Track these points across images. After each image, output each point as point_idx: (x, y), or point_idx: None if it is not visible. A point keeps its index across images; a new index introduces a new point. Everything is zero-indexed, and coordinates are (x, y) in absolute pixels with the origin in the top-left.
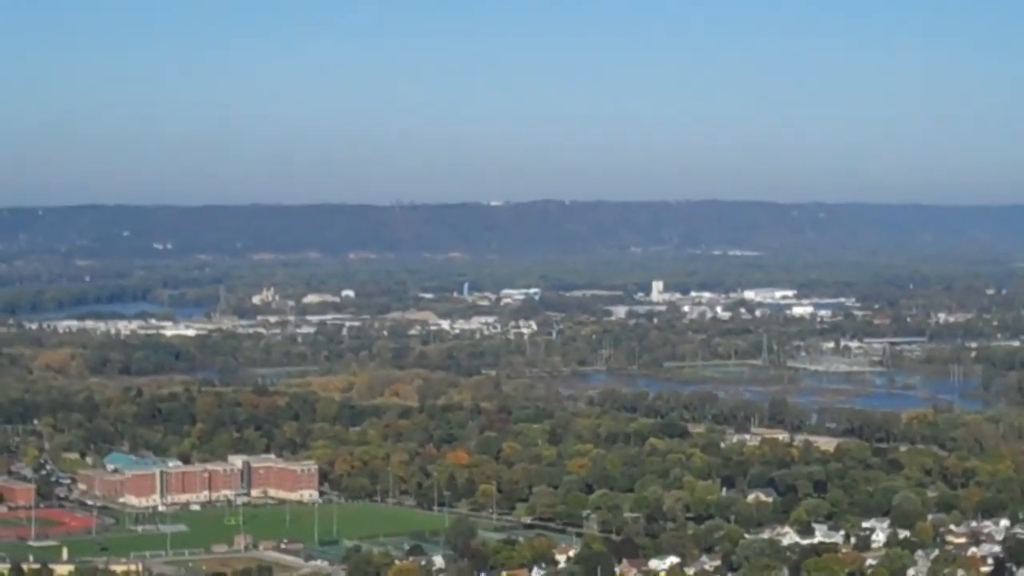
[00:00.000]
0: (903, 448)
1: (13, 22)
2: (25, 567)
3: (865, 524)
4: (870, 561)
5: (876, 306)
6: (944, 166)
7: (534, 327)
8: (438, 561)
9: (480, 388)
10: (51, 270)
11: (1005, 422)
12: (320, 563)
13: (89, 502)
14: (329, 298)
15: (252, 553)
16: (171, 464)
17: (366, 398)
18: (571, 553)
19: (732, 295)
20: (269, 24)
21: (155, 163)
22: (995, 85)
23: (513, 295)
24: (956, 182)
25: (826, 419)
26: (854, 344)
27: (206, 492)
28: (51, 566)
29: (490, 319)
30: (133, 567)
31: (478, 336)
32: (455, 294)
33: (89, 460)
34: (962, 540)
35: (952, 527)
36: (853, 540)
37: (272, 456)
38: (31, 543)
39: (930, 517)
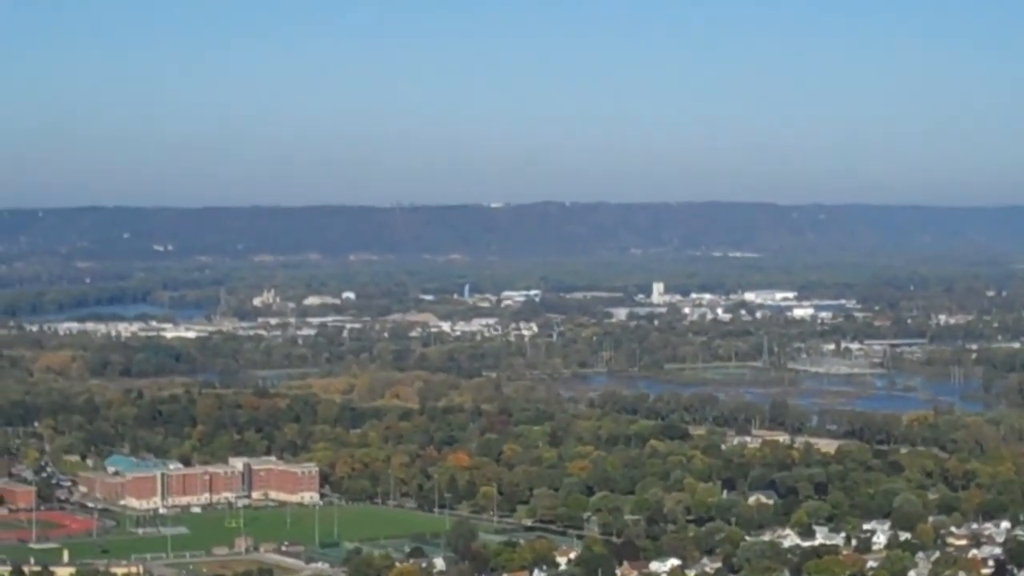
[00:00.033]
0: (904, 450)
1: (13, 22)
2: (26, 569)
3: (866, 526)
4: (871, 563)
5: (876, 308)
6: (944, 167)
7: (535, 329)
8: (439, 563)
9: (481, 390)
10: (51, 272)
11: (1006, 424)
12: (321, 565)
13: (90, 504)
14: (330, 300)
15: (253, 555)
16: (172, 466)
17: (367, 400)
18: (572, 555)
19: (732, 297)
20: (269, 24)
21: (155, 164)
22: (995, 85)
23: (514, 297)
24: (956, 183)
25: (827, 421)
26: (854, 346)
27: (207, 494)
28: (52, 568)
29: (491, 321)
30: (134, 569)
31: (479, 338)
32: (455, 296)
33: (90, 462)
34: (963, 542)
35: (953, 529)
36: (854, 542)
37: (273, 458)
38: (32, 545)
39: (931, 519)
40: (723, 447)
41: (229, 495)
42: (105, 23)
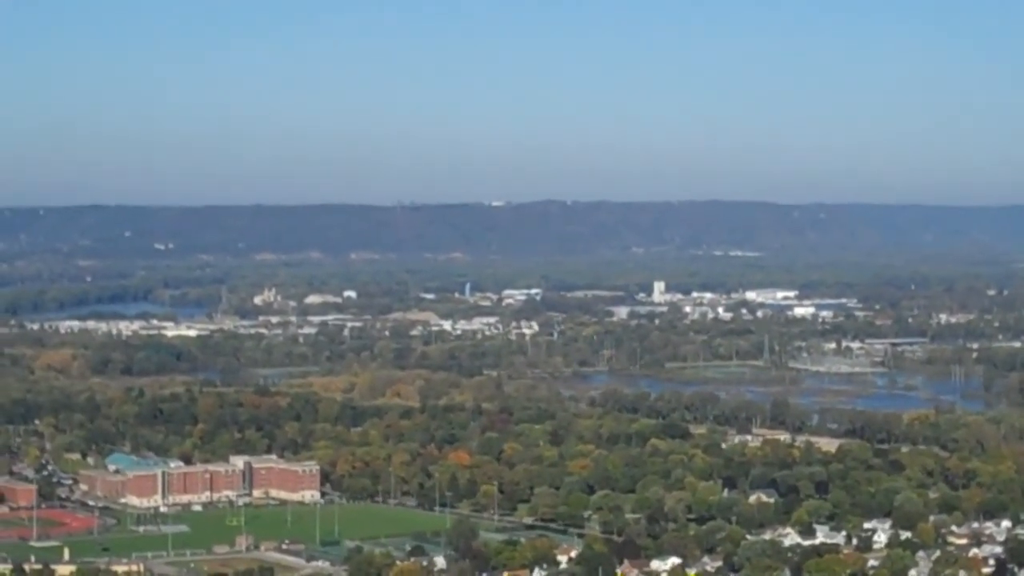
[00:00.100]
0: (905, 449)
1: (14, 22)
2: (27, 567)
3: (867, 525)
4: (872, 562)
5: (877, 307)
6: (945, 166)
7: (535, 328)
8: (439, 562)
9: (481, 389)
10: (52, 270)
11: (1006, 423)
12: (322, 564)
13: (91, 503)
14: (331, 298)
15: (253, 554)
16: (173, 465)
17: (368, 399)
18: (573, 554)
19: (733, 296)
20: (271, 24)
21: (157, 163)
22: (995, 85)
23: (515, 296)
24: (957, 182)
25: (828, 420)
26: (855, 345)
27: (208, 493)
28: (53, 566)
29: (492, 320)
30: (135, 568)
31: (479, 337)
32: (456, 295)
33: (91, 460)
34: (963, 541)
35: (954, 528)
36: (855, 541)
37: (274, 457)
38: (33, 543)
39: (932, 518)
40: (724, 446)
41: (230, 493)
42: (106, 23)
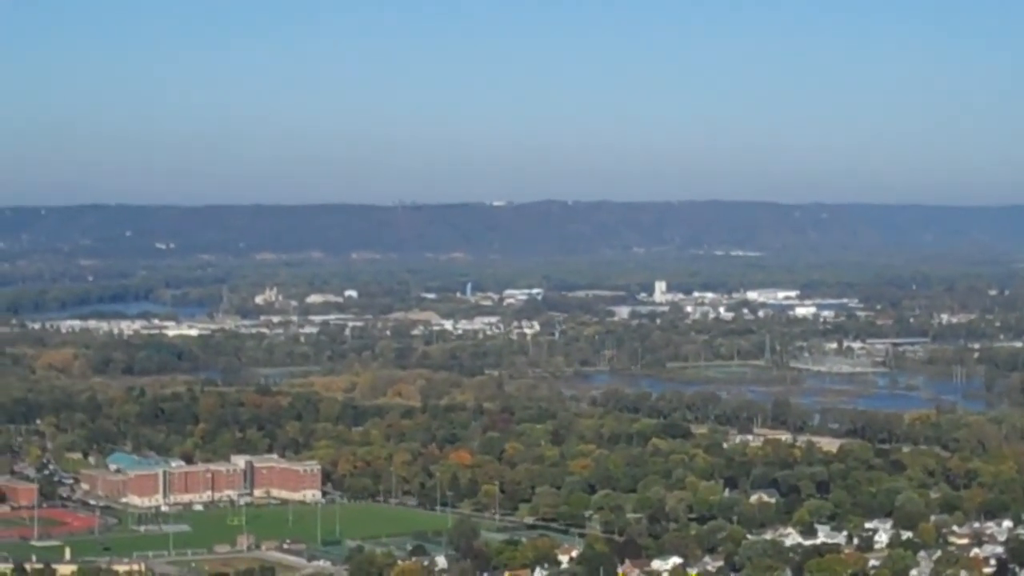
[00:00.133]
0: (906, 449)
1: (14, 22)
2: (28, 567)
3: (868, 525)
4: (873, 562)
5: (878, 307)
6: (945, 166)
7: (537, 327)
8: (440, 561)
9: (483, 388)
10: (54, 270)
11: (1008, 423)
12: (323, 563)
13: (92, 502)
14: (332, 298)
15: (255, 553)
16: (174, 464)
17: (369, 398)
18: (574, 554)
19: (735, 295)
20: (272, 24)
21: (158, 163)
22: (997, 85)
23: (516, 295)
24: (957, 182)
25: (829, 420)
26: (857, 345)
27: (209, 492)
28: (54, 566)
29: (493, 319)
30: (136, 567)
31: (481, 336)
32: (458, 294)
33: (92, 460)
34: (965, 541)
35: (955, 528)
36: (856, 541)
37: (275, 456)
38: (34, 543)
39: (933, 518)
40: (725, 446)
41: (231, 493)
42: (107, 23)
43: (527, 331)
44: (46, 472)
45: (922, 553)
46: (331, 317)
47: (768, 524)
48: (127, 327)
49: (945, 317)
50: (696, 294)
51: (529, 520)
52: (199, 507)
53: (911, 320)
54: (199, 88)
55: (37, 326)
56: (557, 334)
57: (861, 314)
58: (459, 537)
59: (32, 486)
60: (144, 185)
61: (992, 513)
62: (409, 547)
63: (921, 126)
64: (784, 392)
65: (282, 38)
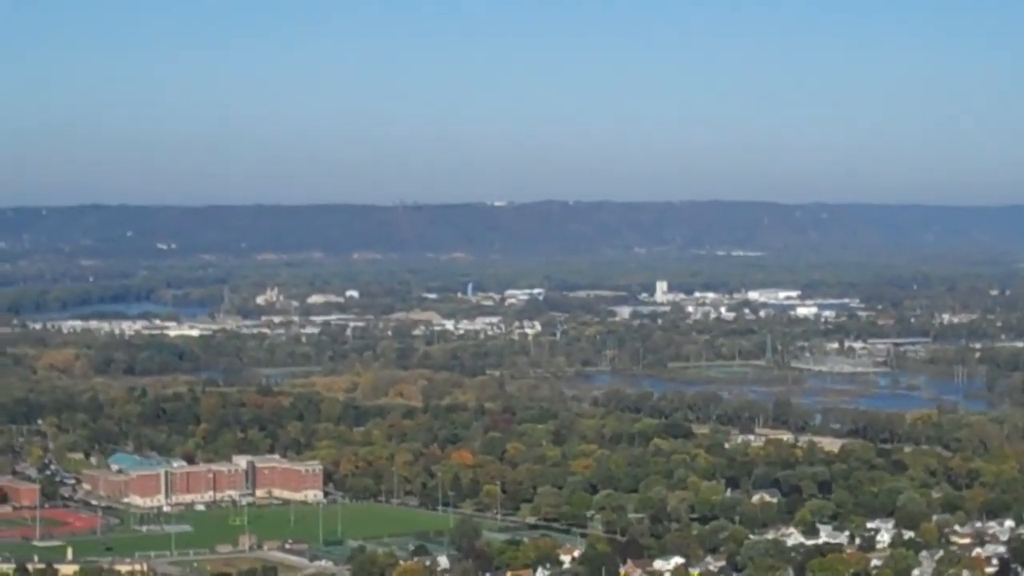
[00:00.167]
0: (907, 449)
1: (16, 22)
2: (30, 567)
3: (870, 525)
4: (875, 562)
5: (880, 307)
6: (947, 166)
7: (538, 327)
8: (442, 561)
9: (484, 388)
10: (55, 270)
11: (1009, 423)
12: (324, 563)
13: (94, 502)
14: (333, 298)
15: (256, 553)
16: (175, 464)
17: (370, 398)
18: (575, 554)
19: (736, 296)
20: (273, 23)
21: (159, 163)
22: (996, 85)
23: (517, 295)
24: (958, 182)
25: (830, 420)
26: (858, 345)
27: (210, 492)
28: (56, 566)
29: (494, 319)
30: (138, 567)
31: (482, 336)
32: (459, 294)
33: (93, 460)
34: (967, 541)
35: (957, 528)
36: (858, 541)
37: (276, 456)
38: (36, 543)
39: (935, 518)
40: (727, 446)
41: (233, 493)
42: (108, 23)
43: (528, 331)
44: (48, 472)
45: (924, 553)
46: (332, 317)
47: (770, 524)
48: (128, 327)
49: (946, 317)
50: (697, 294)
51: (531, 520)
52: (201, 507)
53: (912, 320)
54: (200, 88)
55: (38, 326)
56: (558, 334)
57: (862, 314)
58: (461, 537)
59: (34, 486)
60: (145, 185)
61: (994, 513)
62: (411, 547)
63: (922, 126)
64: (786, 392)
65: (284, 38)
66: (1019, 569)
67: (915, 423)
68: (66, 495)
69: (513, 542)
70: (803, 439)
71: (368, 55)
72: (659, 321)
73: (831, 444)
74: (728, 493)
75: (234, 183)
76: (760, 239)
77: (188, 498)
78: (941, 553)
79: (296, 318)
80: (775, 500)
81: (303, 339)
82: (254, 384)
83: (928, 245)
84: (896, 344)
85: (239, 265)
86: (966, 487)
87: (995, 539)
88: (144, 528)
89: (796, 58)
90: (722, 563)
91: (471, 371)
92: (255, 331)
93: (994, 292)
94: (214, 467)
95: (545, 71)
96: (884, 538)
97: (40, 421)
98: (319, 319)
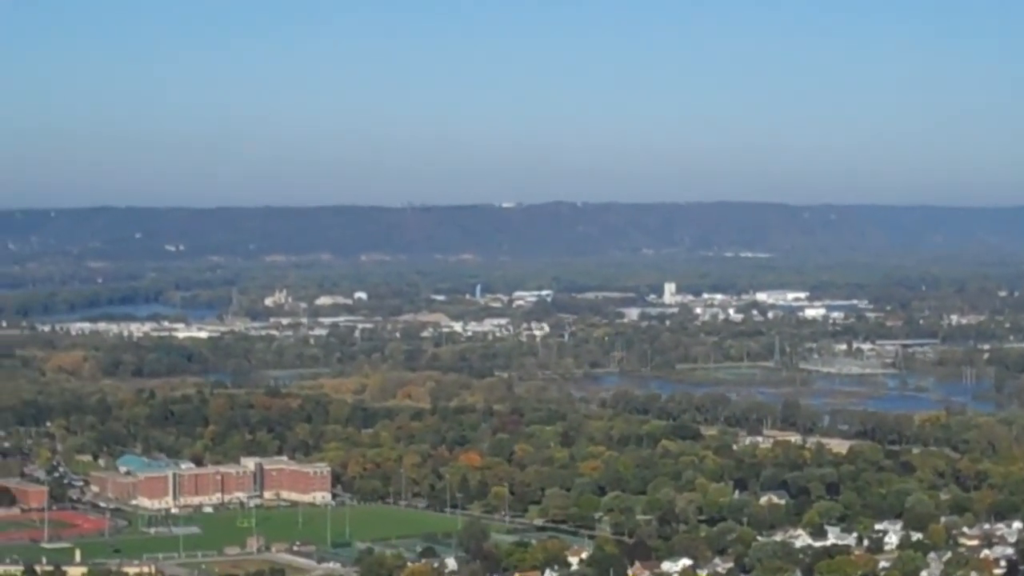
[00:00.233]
0: (916, 450)
1: (20, 23)
2: (38, 569)
3: (878, 526)
4: (883, 563)
5: (888, 308)
6: (954, 168)
7: (546, 329)
8: (450, 563)
9: (492, 390)
10: (63, 272)
11: (1018, 424)
12: (333, 565)
13: (102, 504)
14: (341, 300)
15: (265, 555)
16: (184, 466)
17: (378, 400)
18: (584, 555)
19: (744, 297)
20: (281, 24)
21: (167, 165)
22: (1005, 86)
23: (525, 297)
24: (966, 184)
25: (838, 421)
26: (866, 346)
27: (219, 494)
28: (64, 568)
29: (502, 321)
30: (146, 569)
31: (490, 338)
32: (467, 296)
33: (102, 462)
34: (975, 542)
35: (965, 529)
36: (866, 542)
37: (285, 458)
38: (44, 545)
39: (943, 519)
40: (735, 447)
41: (241, 495)
42: (116, 24)
43: (536, 333)
44: (56, 474)
45: (932, 554)
46: (340, 319)
47: (778, 525)
48: (137, 329)
49: (955, 318)
50: (705, 295)
51: (539, 522)
52: (209, 509)
53: (921, 321)
54: (208, 89)
55: (47, 328)
56: (566, 336)
57: (871, 315)
58: (469, 539)
59: (42, 488)
60: (153, 187)
61: (1002, 514)
62: (419, 549)
63: (931, 127)
64: (794, 393)
65: (291, 39)
66: None
67: (923, 425)
68: (74, 497)
69: (521, 544)
70: (811, 441)
71: (377, 56)
72: (667, 323)
73: (839, 446)
74: (736, 495)
75: (242, 185)
76: (768, 240)
77: (196, 500)
78: (949, 555)
79: (304, 320)
80: (783, 502)
81: (311, 341)
82: (262, 386)
83: (936, 246)
84: (904, 345)
85: (247, 267)
86: (974, 488)
87: (1003, 541)
88: (152, 530)
89: (805, 58)
90: (730, 565)
91: (479, 373)
92: (263, 333)
93: (1003, 293)
94: (222, 469)
95: (553, 73)
96: (892, 540)
97: (48, 423)
98: (327, 321)
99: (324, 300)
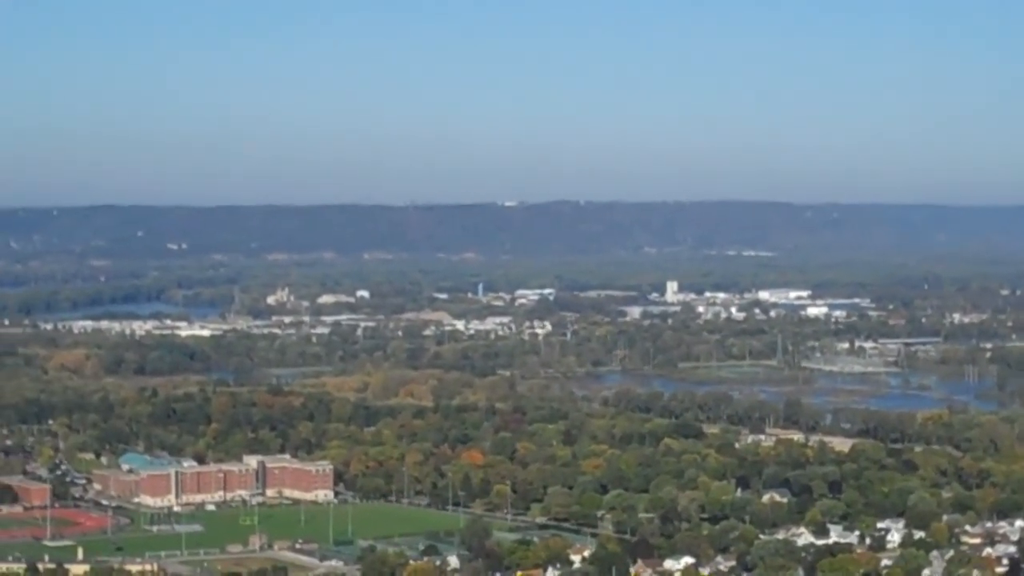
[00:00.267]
0: (918, 449)
1: (21, 24)
2: (41, 567)
3: (880, 525)
4: (885, 562)
5: (891, 307)
6: (957, 166)
7: (548, 327)
8: (453, 561)
9: (495, 388)
10: (66, 270)
11: (1020, 423)
12: (335, 563)
13: (104, 502)
14: (344, 298)
15: (267, 553)
16: (186, 464)
17: (381, 398)
18: (586, 553)
19: (747, 295)
20: (284, 23)
21: (169, 164)
22: (1008, 84)
23: (527, 295)
24: (969, 182)
25: (841, 420)
26: (869, 345)
27: (221, 492)
28: (66, 566)
29: (504, 319)
30: (148, 567)
31: (493, 336)
32: (469, 294)
33: (104, 460)
34: (977, 541)
35: (967, 528)
36: (868, 541)
37: (287, 456)
38: (46, 543)
39: (945, 518)
40: (737, 445)
41: (243, 493)
42: (119, 22)
43: (539, 331)
44: (58, 472)
45: (934, 553)
46: (343, 317)
47: (780, 524)
48: (139, 327)
49: (957, 317)
50: (708, 294)
51: (541, 520)
52: (211, 507)
53: (923, 320)
54: (211, 88)
55: (49, 326)
56: (569, 334)
57: (873, 314)
58: (471, 537)
59: (45, 486)
60: (156, 186)
61: (1004, 513)
62: (421, 547)
63: (933, 125)
64: (796, 392)
65: (294, 38)
66: None
67: (926, 423)
68: (77, 495)
69: (523, 542)
70: (813, 439)
71: (380, 55)
72: (670, 321)
73: (841, 444)
74: (738, 493)
75: (245, 183)
76: (771, 239)
77: (199, 498)
78: (951, 553)
79: (307, 318)
80: (785, 500)
81: (314, 339)
82: (265, 384)
83: (939, 245)
84: (907, 344)
85: (250, 265)
86: (976, 487)
87: (1006, 539)
88: (155, 528)
89: (808, 57)
90: (732, 563)
91: (481, 371)
92: (266, 331)
93: (1005, 292)
94: (225, 467)
95: (556, 71)
96: (894, 538)
97: (51, 421)
98: (330, 319)
99: (326, 298)
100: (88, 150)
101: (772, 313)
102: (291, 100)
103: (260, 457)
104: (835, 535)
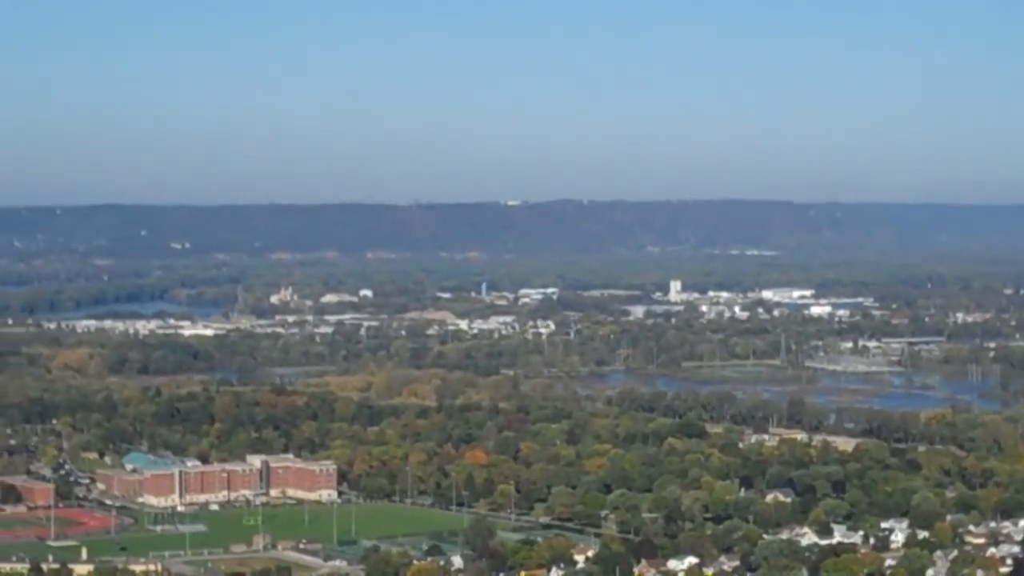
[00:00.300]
0: (922, 448)
1: (23, 23)
2: (44, 567)
3: (884, 524)
4: (889, 561)
5: (894, 306)
6: (960, 165)
7: (552, 327)
8: (456, 561)
9: (498, 388)
10: (69, 270)
11: (1023, 422)
12: (339, 563)
13: (108, 502)
14: (347, 298)
15: (271, 553)
16: (190, 464)
17: (384, 398)
18: (590, 553)
19: (750, 295)
20: (287, 22)
21: (172, 163)
22: (1011, 83)
23: (531, 295)
24: (972, 181)
25: (844, 419)
26: (872, 344)
27: (225, 492)
28: (70, 566)
29: (508, 319)
30: (152, 567)
31: (496, 336)
32: (473, 294)
33: (108, 460)
34: (981, 540)
35: (971, 527)
36: (872, 540)
37: (291, 456)
38: (50, 543)
39: (949, 517)
40: (741, 445)
41: (247, 493)
42: (120, 21)
43: (542, 331)
44: (62, 472)
45: (938, 553)
46: (346, 317)
47: (784, 524)
48: (142, 327)
49: (960, 316)
50: (711, 293)
51: (545, 520)
52: (215, 507)
53: (926, 319)
54: (213, 88)
55: (53, 326)
56: (572, 334)
57: (876, 313)
58: (475, 537)
59: (48, 486)
60: (159, 185)
61: (1008, 512)
62: (425, 547)
63: (936, 124)
64: (799, 391)
65: (297, 37)
66: None
67: (929, 422)
68: (80, 495)
69: (527, 542)
70: (817, 439)
71: (383, 54)
72: (673, 320)
73: (845, 444)
74: (742, 493)
75: (248, 183)
76: (774, 238)
77: (202, 498)
78: (955, 553)
79: (310, 317)
80: (789, 500)
81: (317, 339)
82: (268, 384)
83: (942, 244)
84: (910, 343)
85: (253, 264)
86: (980, 487)
87: (1009, 539)
88: (158, 528)
89: (811, 57)
90: (736, 563)
91: (485, 371)
92: (269, 331)
93: (1008, 291)
94: (228, 467)
95: (560, 71)
96: (898, 538)
97: (54, 421)
98: (333, 318)
99: (330, 298)
100: (91, 149)
101: (775, 312)
102: (294, 99)
103: (264, 457)
104: (839, 535)
